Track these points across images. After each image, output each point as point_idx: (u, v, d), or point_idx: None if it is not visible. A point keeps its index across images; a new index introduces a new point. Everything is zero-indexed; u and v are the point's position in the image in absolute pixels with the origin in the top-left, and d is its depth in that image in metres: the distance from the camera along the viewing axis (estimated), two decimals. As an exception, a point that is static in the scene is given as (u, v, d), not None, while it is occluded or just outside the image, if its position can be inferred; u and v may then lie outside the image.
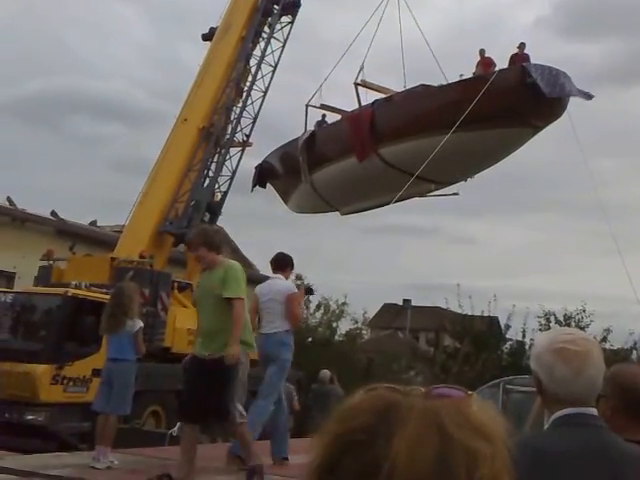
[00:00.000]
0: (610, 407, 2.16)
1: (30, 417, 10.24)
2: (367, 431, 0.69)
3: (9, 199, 18.85)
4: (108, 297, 8.39)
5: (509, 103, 13.05)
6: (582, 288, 54.76)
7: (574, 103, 13.73)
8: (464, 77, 14.62)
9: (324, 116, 17.04)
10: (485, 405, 0.75)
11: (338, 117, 16.84)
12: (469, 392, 0.76)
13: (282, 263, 7.44)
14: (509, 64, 14.43)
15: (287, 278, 7.56)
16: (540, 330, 20.58)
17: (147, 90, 58.55)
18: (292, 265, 7.61)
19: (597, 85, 56.67)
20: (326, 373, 14.41)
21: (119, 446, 7.75)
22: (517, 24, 50.63)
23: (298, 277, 23.92)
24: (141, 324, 7.70)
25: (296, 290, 7.60)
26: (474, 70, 14.98)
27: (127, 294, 7.70)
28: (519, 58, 14.36)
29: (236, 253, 27.19)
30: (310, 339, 23.07)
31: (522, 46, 14.71)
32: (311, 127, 16.72)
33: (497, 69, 14.24)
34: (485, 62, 14.89)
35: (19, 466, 7.32)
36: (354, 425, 0.70)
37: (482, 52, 15.17)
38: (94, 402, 7.78)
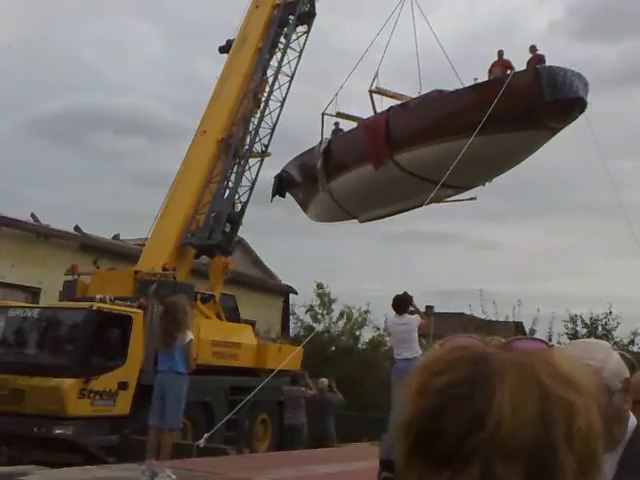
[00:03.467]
0: None
1: (58, 431, 10.33)
2: (466, 383, 0.69)
3: (33, 215, 19.09)
4: (160, 313, 8.39)
5: (525, 105, 12.99)
6: (608, 291, 54.06)
7: (591, 105, 13.63)
8: (479, 81, 14.58)
9: (337, 124, 17.01)
10: (569, 357, 0.75)
11: (353, 125, 16.86)
12: (551, 343, 0.77)
13: (403, 305, 9.13)
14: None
15: None
16: (567, 334, 20.41)
17: (167, 104, 59.08)
18: (410, 303, 9.35)
19: (615, 87, 56.01)
20: (324, 381, 14.44)
21: (145, 458, 7.79)
22: (531, 29, 50.19)
23: (319, 286, 23.93)
24: (191, 336, 7.67)
25: (420, 319, 9.37)
26: (490, 68, 14.90)
27: (181, 308, 7.68)
28: (534, 60, 14.30)
29: (257, 263, 27.27)
30: (333, 348, 23.03)
31: (533, 48, 14.64)
32: (327, 136, 16.76)
33: (511, 72, 14.20)
34: (504, 64, 14.83)
35: (48, 480, 7.40)
36: (453, 377, 0.70)
37: (500, 53, 15.07)
38: (150, 417, 7.80)
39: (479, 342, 0.74)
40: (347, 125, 17.02)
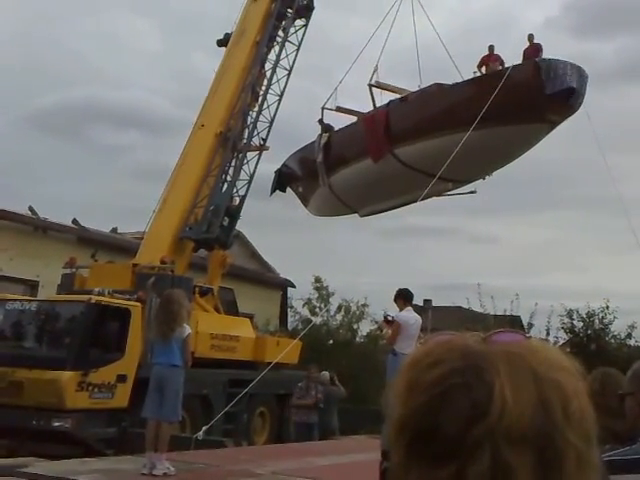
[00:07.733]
0: (638, 403, 2.17)
1: (56, 423, 10.34)
2: (460, 374, 0.69)
3: (31, 208, 19.06)
4: (157, 306, 8.40)
5: (524, 99, 12.99)
6: (605, 285, 54.17)
7: (589, 99, 13.64)
8: (478, 74, 14.58)
9: (321, 120, 16.78)
10: (547, 344, 0.76)
11: (353, 119, 16.83)
12: (527, 334, 0.77)
13: (409, 298, 9.39)
14: (523, 59, 14.37)
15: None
16: (563, 329, 20.43)
17: (165, 98, 58.88)
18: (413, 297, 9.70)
19: (610, 83, 55.99)
20: (326, 374, 14.43)
21: (144, 451, 7.81)
22: (526, 24, 50.19)
23: (317, 279, 23.93)
24: (189, 330, 7.68)
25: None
26: (481, 63, 14.92)
27: (176, 301, 7.68)
28: (531, 50, 14.30)
29: (255, 257, 27.27)
30: (331, 341, 23.05)
31: (531, 37, 14.64)
32: (319, 132, 16.68)
33: (505, 66, 14.22)
34: (498, 59, 14.86)
35: (47, 472, 7.42)
36: (445, 370, 0.69)
37: (491, 48, 15.11)
38: (144, 408, 7.79)
39: (460, 337, 0.75)
40: (340, 120, 16.86)
